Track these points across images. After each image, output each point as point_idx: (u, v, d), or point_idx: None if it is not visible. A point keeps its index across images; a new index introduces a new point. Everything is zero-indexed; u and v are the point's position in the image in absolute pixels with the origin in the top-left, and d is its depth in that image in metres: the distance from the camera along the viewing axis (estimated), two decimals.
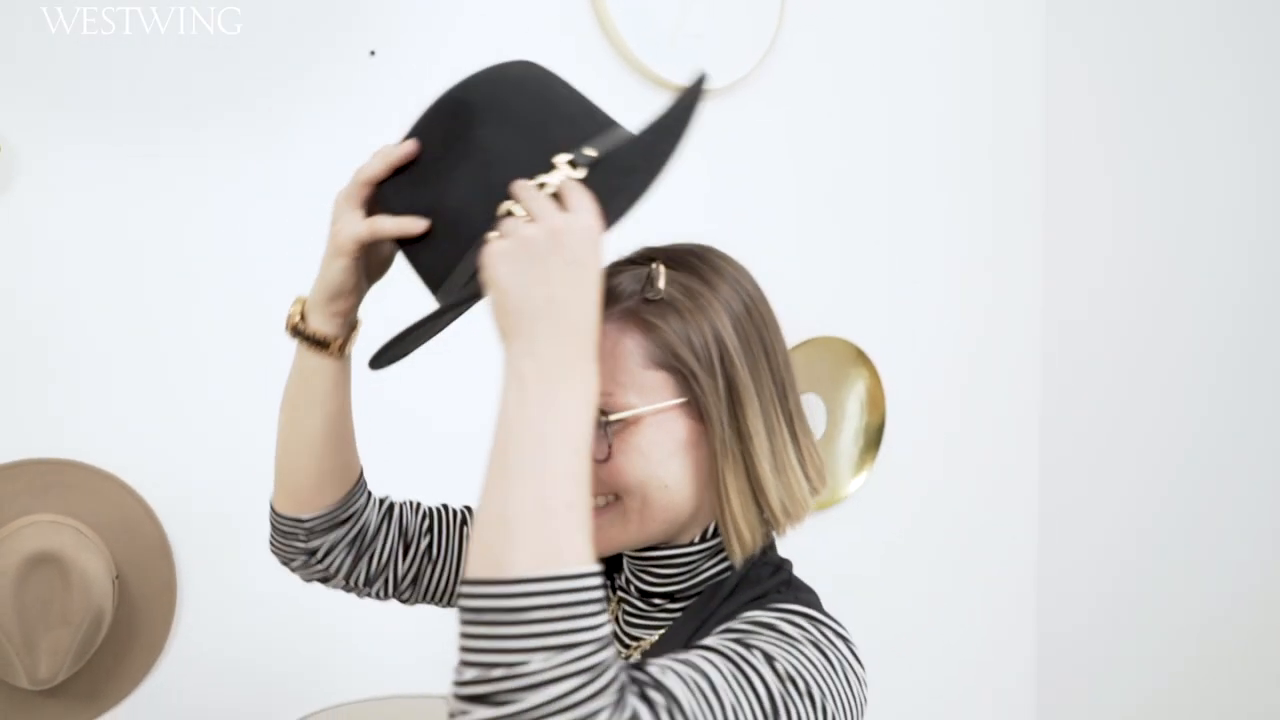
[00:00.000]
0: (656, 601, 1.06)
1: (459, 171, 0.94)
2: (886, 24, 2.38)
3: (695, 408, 0.98)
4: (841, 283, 2.36)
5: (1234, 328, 2.28)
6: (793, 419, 1.01)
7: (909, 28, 2.41)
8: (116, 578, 1.66)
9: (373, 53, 1.87)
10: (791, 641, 0.89)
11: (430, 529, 1.21)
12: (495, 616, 0.73)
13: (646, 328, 0.97)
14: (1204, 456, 2.34)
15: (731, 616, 0.94)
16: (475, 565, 0.75)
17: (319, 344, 1.08)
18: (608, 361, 0.96)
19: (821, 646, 0.89)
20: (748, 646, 0.87)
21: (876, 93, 2.38)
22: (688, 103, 1.02)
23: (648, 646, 1.05)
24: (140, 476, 1.71)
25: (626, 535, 1.00)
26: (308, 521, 1.15)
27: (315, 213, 1.79)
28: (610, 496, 0.99)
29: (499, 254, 0.83)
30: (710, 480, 1.00)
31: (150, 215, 1.73)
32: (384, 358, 1.03)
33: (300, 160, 1.82)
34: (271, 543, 1.20)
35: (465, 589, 0.75)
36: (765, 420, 0.98)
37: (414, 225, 0.97)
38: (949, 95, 2.47)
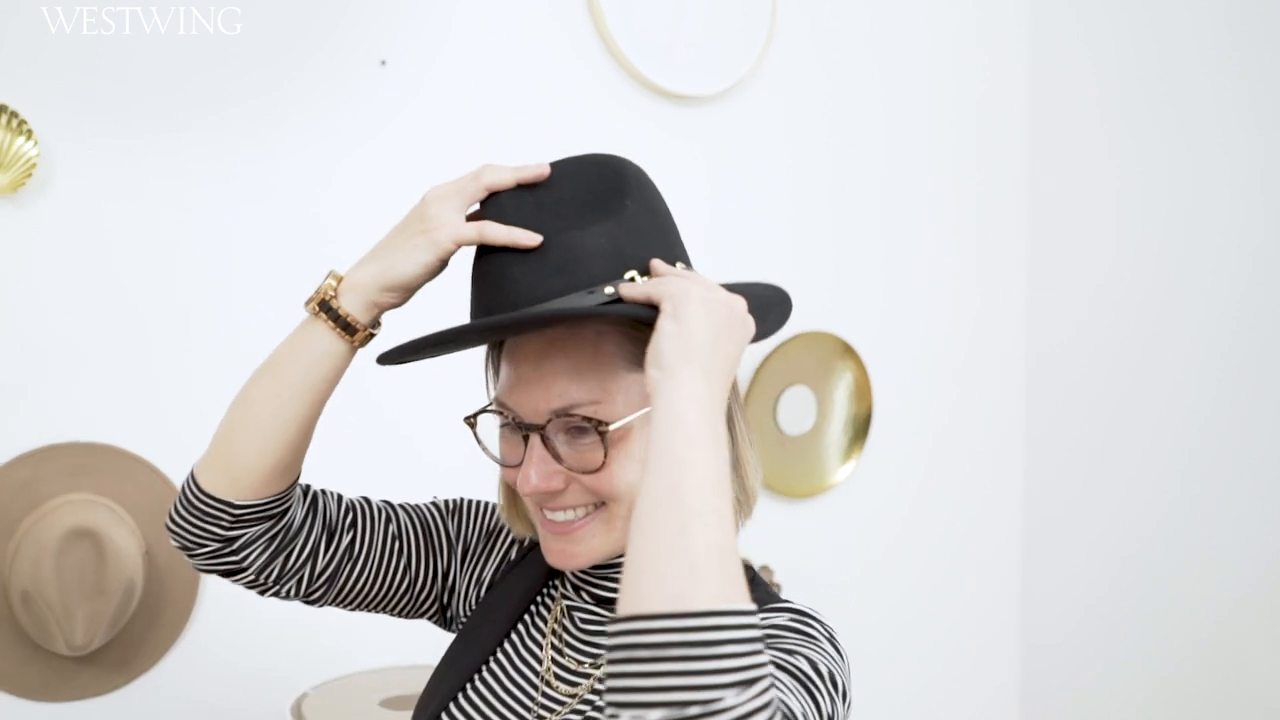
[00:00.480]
0: None
1: (599, 223, 0.95)
2: (876, 30, 2.44)
3: None
4: (831, 280, 2.42)
5: (1223, 325, 2.29)
6: (743, 410, 1.03)
7: (899, 33, 2.46)
8: (146, 552, 1.73)
9: (383, 62, 1.92)
10: (817, 643, 0.92)
11: (354, 524, 1.13)
12: (686, 651, 0.70)
13: (623, 329, 0.96)
14: (1191, 449, 2.35)
15: None
16: (653, 599, 0.73)
17: (345, 327, 1.01)
18: (592, 368, 0.95)
19: (834, 642, 0.94)
20: (790, 652, 0.88)
21: (866, 98, 2.44)
22: (786, 298, 1.09)
23: None
24: (167, 460, 1.78)
25: (609, 543, 0.98)
26: (239, 508, 1.05)
27: (319, 207, 1.88)
28: (590, 506, 0.97)
29: (698, 297, 0.86)
30: None
31: (172, 212, 1.79)
32: (403, 355, 0.99)
33: (303, 156, 1.87)
34: (178, 523, 1.08)
35: (642, 625, 0.72)
36: (727, 417, 0.98)
37: (527, 239, 0.95)
38: (938, 99, 2.52)
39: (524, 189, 0.99)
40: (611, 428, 0.94)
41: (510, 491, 1.07)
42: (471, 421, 1.01)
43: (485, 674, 1.07)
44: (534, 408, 0.95)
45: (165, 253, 1.81)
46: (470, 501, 1.19)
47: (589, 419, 0.94)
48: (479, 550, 1.17)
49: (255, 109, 1.85)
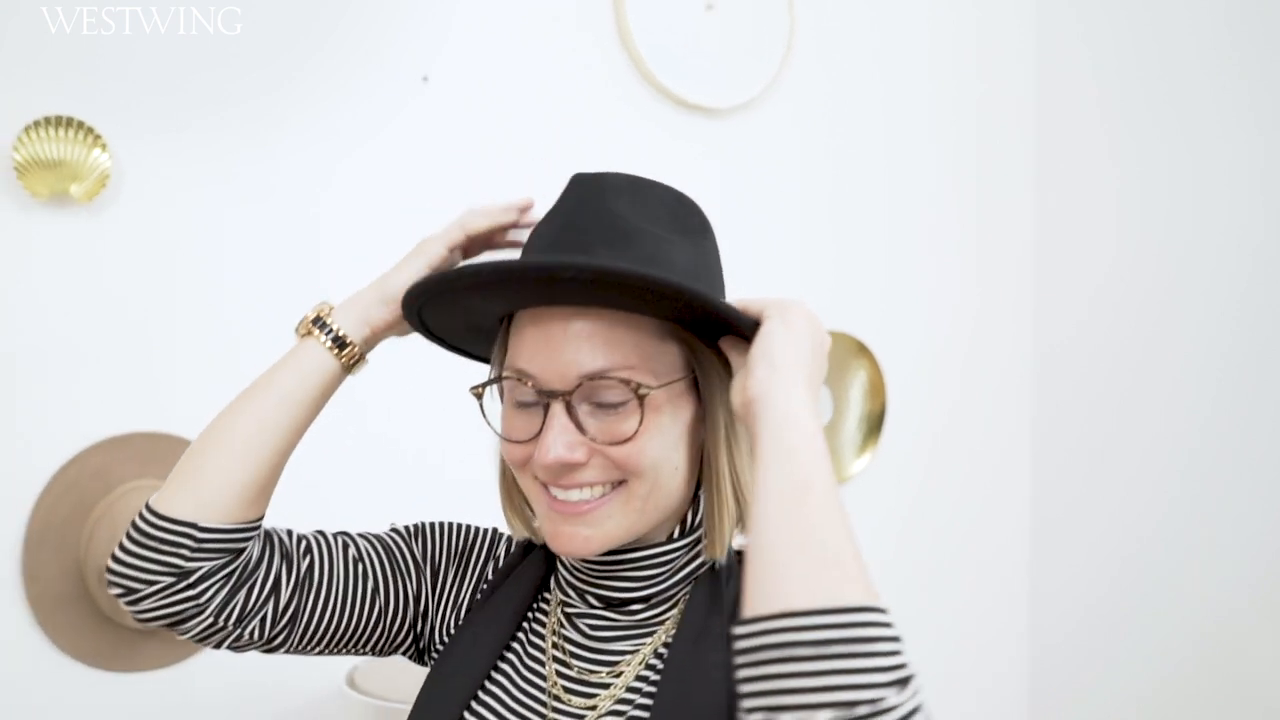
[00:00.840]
0: (634, 609, 0.97)
1: (685, 245, 0.95)
2: (886, 37, 2.47)
3: (695, 386, 0.94)
4: (845, 282, 2.44)
5: (1225, 323, 2.29)
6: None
7: (907, 39, 2.49)
8: None
9: (425, 78, 1.94)
10: None
11: (309, 551, 1.05)
12: (849, 649, 0.68)
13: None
14: (1195, 448, 2.34)
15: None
16: (800, 595, 0.71)
17: (337, 341, 1.02)
18: (628, 333, 0.90)
19: None
20: None
21: (876, 105, 2.46)
22: None
23: (652, 658, 0.96)
24: None
25: (625, 526, 0.93)
26: (204, 533, 0.98)
27: (319, 207, 1.88)
28: (608, 485, 0.92)
29: (803, 312, 0.88)
30: (696, 466, 0.96)
31: (172, 212, 1.80)
32: (459, 283, 0.93)
33: (303, 156, 1.88)
34: (127, 561, 0.99)
35: (798, 621, 0.70)
36: (730, 431, 0.95)
37: (513, 203, 1.02)
38: (945, 102, 2.54)
39: (614, 193, 0.94)
40: (655, 387, 0.90)
41: (510, 485, 1.02)
42: (479, 392, 0.96)
43: (485, 696, 1.00)
44: (561, 372, 0.90)
45: (217, 256, 1.82)
46: (433, 524, 1.12)
47: (626, 381, 0.89)
48: (450, 573, 1.09)
49: (255, 109, 1.85)
